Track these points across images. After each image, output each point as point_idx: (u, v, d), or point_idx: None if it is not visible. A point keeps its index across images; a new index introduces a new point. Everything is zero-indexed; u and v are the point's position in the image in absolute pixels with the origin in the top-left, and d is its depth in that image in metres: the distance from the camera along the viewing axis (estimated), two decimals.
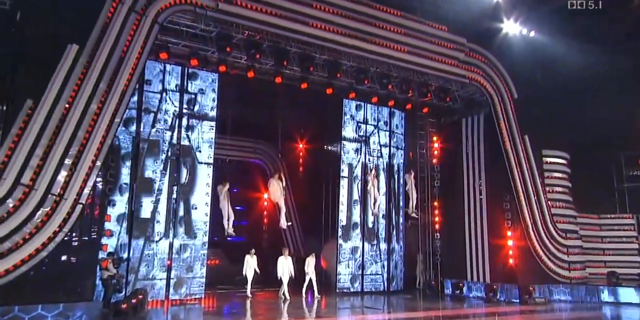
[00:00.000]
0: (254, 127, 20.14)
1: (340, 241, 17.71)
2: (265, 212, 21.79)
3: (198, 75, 15.55)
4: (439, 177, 19.51)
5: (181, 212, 14.88)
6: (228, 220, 14.96)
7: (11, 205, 10.20)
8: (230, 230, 14.95)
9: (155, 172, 14.59)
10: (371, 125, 18.91)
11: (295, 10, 14.64)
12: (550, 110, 18.63)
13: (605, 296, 16.82)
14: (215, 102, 15.67)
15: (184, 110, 15.19)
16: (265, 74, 15.83)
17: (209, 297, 15.97)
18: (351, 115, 18.51)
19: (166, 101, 14.96)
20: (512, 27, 18.27)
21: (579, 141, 18.94)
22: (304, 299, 15.78)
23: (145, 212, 14.29)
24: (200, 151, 15.53)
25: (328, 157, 20.34)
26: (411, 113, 19.38)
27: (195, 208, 15.25)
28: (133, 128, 14.26)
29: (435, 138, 19.96)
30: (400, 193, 19.29)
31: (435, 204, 19.41)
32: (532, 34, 18.55)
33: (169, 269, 14.45)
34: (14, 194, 10.29)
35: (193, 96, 15.40)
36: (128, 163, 14.00)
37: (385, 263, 18.37)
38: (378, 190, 17.81)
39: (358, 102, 18.51)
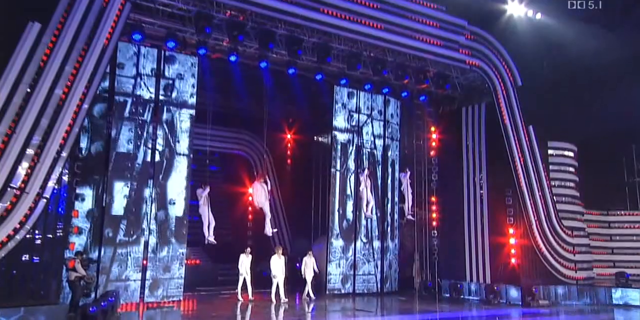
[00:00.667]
0: (238, 116, 19.85)
1: (331, 239, 17.51)
2: (250, 208, 21.49)
3: (176, 59, 15.19)
4: (437, 170, 19.32)
5: (157, 208, 14.59)
6: (209, 226, 14.57)
7: None
8: (211, 238, 14.60)
9: (129, 164, 14.26)
10: (364, 114, 18.68)
11: None
12: (556, 99, 18.50)
13: (614, 298, 16.72)
14: (195, 89, 15.34)
15: (161, 97, 14.83)
16: (249, 58, 15.52)
17: (188, 300, 15.74)
18: (343, 104, 18.25)
19: (141, 87, 14.59)
20: (516, 9, 18.06)
21: (588, 132, 18.83)
22: (305, 301, 15.57)
23: (118, 208, 13.98)
24: (178, 142, 15.21)
25: (318, 149, 20.12)
26: (407, 101, 19.15)
27: (173, 203, 14.97)
28: (104, 116, 13.89)
29: (433, 128, 19.75)
30: (395, 188, 19.09)
31: (433, 199, 19.23)
32: (539, 16, 18.33)
33: (144, 270, 14.18)
34: None
35: (170, 82, 15.06)
36: (98, 154, 13.67)
37: (379, 262, 18.22)
38: (371, 192, 17.50)
39: (350, 90, 18.27)
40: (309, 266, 16.17)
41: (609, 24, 17.96)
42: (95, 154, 13.66)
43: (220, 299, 16.58)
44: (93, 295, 12.72)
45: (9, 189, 10.03)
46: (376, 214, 18.06)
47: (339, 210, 17.83)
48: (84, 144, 13.08)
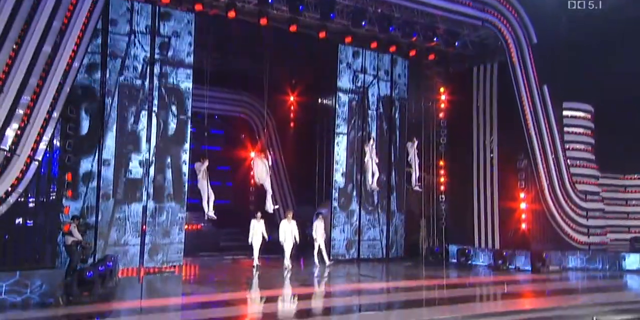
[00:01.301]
0: (238, 77, 19.60)
1: (335, 204, 17.51)
2: (251, 172, 21.43)
3: (171, 16, 14.87)
4: (446, 133, 19.11)
5: (155, 172, 14.55)
6: (208, 201, 14.25)
7: None
8: (211, 213, 14.32)
9: (125, 127, 14.16)
10: (370, 74, 18.37)
11: None
12: (573, 57, 18.03)
13: (628, 264, 16.72)
14: (192, 47, 15.08)
15: (156, 56, 14.59)
16: (249, 15, 15.16)
17: (189, 265, 15.93)
18: (347, 64, 17.93)
19: (135, 45, 14.34)
20: None
21: (606, 92, 18.41)
22: (316, 267, 15.61)
23: (114, 171, 13.94)
24: (175, 103, 15.07)
25: (322, 111, 19.93)
26: (415, 61, 18.80)
27: (171, 167, 14.93)
28: (97, 75, 13.73)
29: (442, 89, 19.43)
30: (400, 149, 18.92)
31: (441, 163, 19.09)
32: None
33: (142, 234, 14.26)
34: None
35: (166, 40, 14.78)
36: (92, 116, 13.54)
37: (385, 228, 18.24)
38: (377, 163, 17.31)
39: (355, 48, 17.90)
40: (319, 230, 16.04)
41: None
42: (90, 115, 13.54)
43: (222, 264, 16.77)
44: (91, 260, 12.85)
45: None
46: (382, 180, 17.87)
47: (343, 175, 17.76)
48: (77, 105, 12.94)
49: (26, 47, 10.46)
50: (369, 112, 18.35)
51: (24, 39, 10.44)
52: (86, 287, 10.41)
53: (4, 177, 10.07)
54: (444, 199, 18.92)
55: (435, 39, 16.93)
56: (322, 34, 15.97)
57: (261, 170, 14.87)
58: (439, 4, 16.27)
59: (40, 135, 10.50)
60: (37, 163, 10.50)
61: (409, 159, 18.19)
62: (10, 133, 10.15)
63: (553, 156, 17.32)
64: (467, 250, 17.74)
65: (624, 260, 16.82)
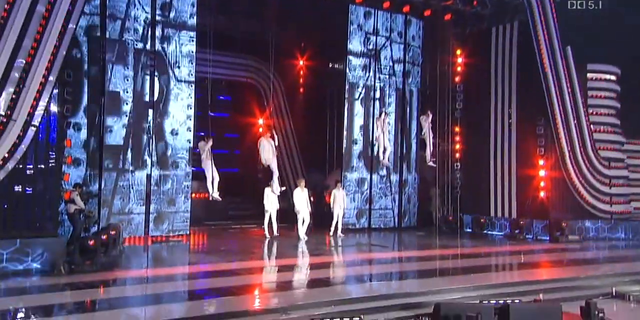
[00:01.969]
0: (244, 40, 19.15)
1: (345, 172, 17.38)
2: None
3: None
4: (462, 98, 18.74)
5: (159, 138, 14.46)
6: (212, 182, 14.11)
7: None
8: (216, 194, 14.16)
9: (127, 91, 14.00)
10: (382, 36, 17.93)
11: None
12: (600, 16, 17.40)
13: None
14: (195, 8, 14.82)
15: (157, 17, 14.33)
16: None
17: (196, 234, 15.97)
18: (358, 25, 17.52)
19: (135, 6, 14.08)
20: None
21: (633, 53, 17.85)
22: (331, 238, 15.56)
23: (117, 138, 13.88)
24: (178, 67, 14.89)
25: (332, 76, 19.58)
26: (430, 21, 18.34)
27: (176, 133, 14.85)
28: (96, 38, 13.49)
29: (458, 52, 18.92)
30: (414, 117, 18.66)
31: (456, 129, 18.78)
32: None
33: (147, 203, 14.26)
34: None
35: (168, 0, 14.47)
36: (92, 80, 13.37)
37: (397, 196, 18.13)
38: (388, 139, 16.99)
39: (367, 9, 17.49)
40: (338, 200, 15.87)
41: None
42: (89, 80, 13.40)
43: (230, 233, 16.83)
44: (95, 229, 12.87)
45: None
46: (392, 150, 17.59)
47: (354, 142, 17.57)
48: (76, 69, 12.77)
49: (19, 7, 10.21)
50: (381, 76, 17.98)
51: None
52: (88, 256, 10.43)
53: (0, 142, 9.97)
54: (458, 167, 18.69)
55: None
56: None
57: (268, 151, 14.64)
58: None
59: (37, 100, 10.35)
60: (34, 129, 10.39)
61: (422, 134, 17.90)
62: (5, 97, 10.01)
63: (575, 121, 16.91)
64: (482, 220, 17.61)
65: None
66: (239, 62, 20.74)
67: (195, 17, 14.84)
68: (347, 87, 17.46)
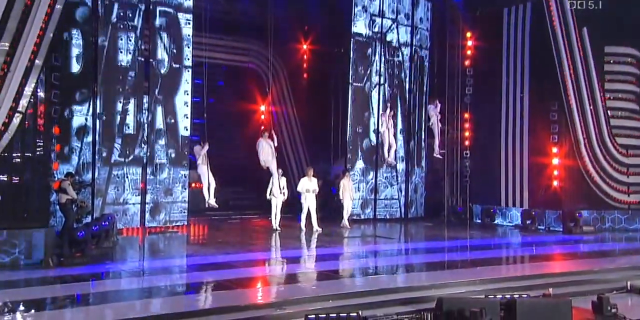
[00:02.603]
0: (245, 24, 18.89)
1: (349, 160, 17.22)
2: (262, 127, 21.14)
3: None
4: (471, 83, 18.41)
5: (155, 126, 14.33)
6: (209, 188, 13.76)
7: None
8: (212, 201, 13.82)
9: (121, 77, 13.83)
10: (389, 18, 17.71)
11: None
12: None
13: None
14: None
15: None
16: None
17: (194, 225, 15.86)
18: (363, 7, 17.32)
19: None
20: None
21: None
22: (345, 229, 15.40)
23: (111, 125, 13.75)
24: (175, 51, 14.74)
25: (336, 60, 19.29)
26: (439, 2, 18.16)
27: (173, 121, 14.70)
28: (87, 20, 13.27)
29: (468, 34, 18.59)
30: (424, 103, 18.36)
31: (466, 115, 18.50)
32: None
33: (143, 193, 14.15)
34: None
35: None
36: (85, 66, 13.19)
37: (403, 186, 17.95)
38: (394, 135, 16.70)
39: None
40: (347, 190, 15.72)
41: None
42: (82, 65, 13.20)
43: (229, 224, 16.68)
44: (89, 219, 12.76)
45: None
46: (400, 144, 17.34)
47: (358, 129, 17.34)
48: (67, 54, 12.61)
49: None
50: (386, 60, 17.73)
51: None
52: (78, 248, 10.30)
53: None
54: (468, 155, 18.42)
55: None
56: None
57: (267, 152, 14.27)
58: None
59: (22, 86, 10.16)
60: (20, 115, 10.22)
61: (430, 124, 17.64)
62: None
63: (591, 107, 16.60)
64: (492, 210, 17.40)
65: None
66: (240, 47, 20.46)
67: None
68: (351, 71, 17.19)
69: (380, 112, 17.09)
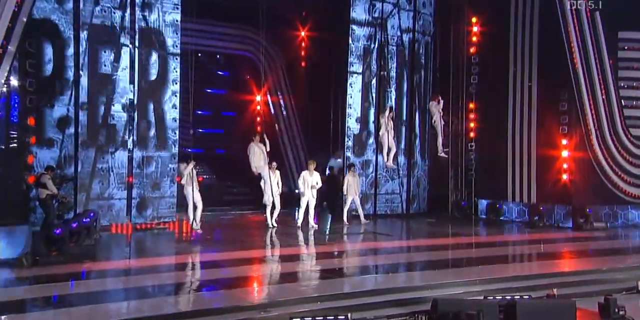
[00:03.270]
0: (236, 8, 18.60)
1: (348, 153, 17.00)
2: (258, 119, 20.93)
3: None
4: (477, 71, 18.08)
5: (141, 116, 14.13)
6: (194, 210, 13.29)
7: None
8: (196, 225, 13.27)
9: (104, 64, 13.65)
10: (389, 3, 17.41)
11: None
12: None
13: None
14: None
15: None
16: None
17: (184, 221, 15.61)
18: None
19: None
20: None
21: None
22: (345, 226, 15.23)
23: (94, 116, 13.57)
24: (162, 38, 14.52)
25: (335, 48, 19.03)
26: None
27: (161, 110, 14.52)
28: (70, 5, 13.06)
29: (474, 20, 18.22)
30: (428, 90, 18.09)
31: (471, 105, 18.18)
32: None
33: (129, 187, 13.98)
34: None
35: None
36: (65, 52, 12.99)
37: (405, 180, 17.72)
38: (394, 137, 16.39)
39: None
40: (352, 185, 15.59)
41: None
42: (57, 50, 12.99)
43: (222, 221, 16.49)
44: (72, 215, 12.61)
45: None
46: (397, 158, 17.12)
47: (357, 120, 17.13)
48: (39, 39, 12.41)
49: None
50: (388, 47, 17.44)
51: None
52: (56, 246, 10.11)
53: None
54: (473, 147, 18.15)
55: None
56: None
57: (258, 157, 13.97)
58: None
59: None
60: None
61: (432, 121, 17.35)
62: None
63: (603, 96, 16.34)
64: (498, 205, 17.16)
65: None
66: (231, 33, 20.16)
67: None
68: (349, 59, 16.96)
69: (380, 114, 16.78)
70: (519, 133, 17.01)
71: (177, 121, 14.72)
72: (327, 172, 17.82)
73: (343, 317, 7.17)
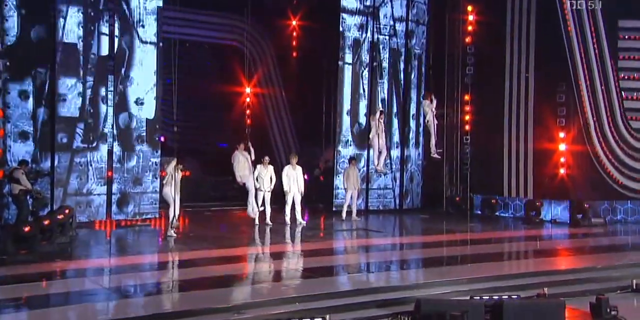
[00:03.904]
0: None
1: (339, 147, 16.84)
2: (248, 111, 20.70)
3: None
4: (472, 61, 17.84)
5: (121, 109, 13.92)
6: (174, 216, 12.45)
7: None
8: (171, 231, 12.37)
9: (81, 55, 13.40)
10: None
11: None
12: None
13: None
14: None
15: None
16: None
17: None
18: None
19: None
20: None
21: None
22: (343, 221, 15.09)
23: (71, 108, 13.33)
24: (143, 26, 14.27)
25: (327, 38, 18.80)
26: None
27: (141, 103, 14.29)
28: None
29: (470, 8, 17.99)
30: (422, 81, 17.86)
31: (466, 97, 17.98)
32: None
33: (109, 182, 13.78)
34: None
35: None
36: (40, 42, 12.76)
37: (398, 175, 17.57)
38: (385, 140, 16.06)
39: None
40: (351, 179, 15.41)
41: None
42: (37, 41, 12.84)
43: (207, 217, 16.32)
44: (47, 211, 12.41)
45: None
46: (387, 163, 16.79)
47: (348, 113, 16.97)
48: (17, 27, 12.16)
49: None
50: (380, 37, 17.23)
51: None
52: (26, 244, 9.88)
53: None
54: (468, 140, 17.94)
55: None
56: None
57: (243, 166, 13.59)
58: None
59: None
60: None
61: (426, 121, 17.03)
62: None
63: (602, 87, 16.18)
64: (494, 200, 17.03)
65: None
66: (217, 22, 19.88)
67: None
68: (340, 49, 16.80)
69: (370, 116, 16.45)
70: (515, 126, 16.86)
71: (159, 114, 14.49)
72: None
73: (320, 319, 6.98)
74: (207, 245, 11.64)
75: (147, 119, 14.30)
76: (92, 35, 13.48)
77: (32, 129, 12.79)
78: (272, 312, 7.41)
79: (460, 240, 12.89)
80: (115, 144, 13.87)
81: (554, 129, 16.16)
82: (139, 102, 14.19)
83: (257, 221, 14.12)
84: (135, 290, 8.47)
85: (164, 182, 12.82)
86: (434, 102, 16.22)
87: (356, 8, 16.93)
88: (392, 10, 17.41)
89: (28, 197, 11.91)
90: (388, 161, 16.87)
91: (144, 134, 14.27)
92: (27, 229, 9.86)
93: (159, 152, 14.49)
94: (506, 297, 7.91)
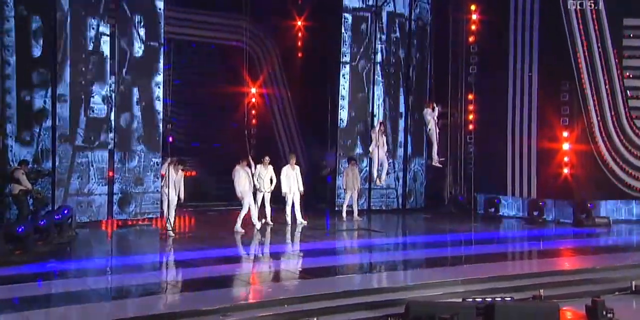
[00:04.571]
0: None
1: (340, 147, 16.70)
2: (253, 111, 20.51)
3: None
4: (476, 61, 17.61)
5: (123, 109, 13.85)
6: (168, 215, 12.48)
7: None
8: (170, 231, 12.34)
9: (82, 55, 13.32)
10: None
11: None
12: None
13: None
14: None
15: None
16: None
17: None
18: None
19: None
20: None
21: None
22: (344, 221, 14.90)
23: (73, 108, 13.24)
24: (145, 27, 14.26)
25: (330, 38, 18.58)
26: None
27: (143, 103, 14.20)
28: None
29: (473, 7, 17.72)
30: (427, 78, 17.69)
31: (470, 97, 17.72)
32: None
33: (110, 182, 13.68)
34: None
35: None
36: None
37: (401, 174, 17.34)
38: (386, 152, 15.81)
39: None
40: (352, 180, 15.26)
41: None
42: (35, 38, 12.73)
43: (209, 217, 16.16)
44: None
45: None
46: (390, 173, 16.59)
47: (350, 112, 16.69)
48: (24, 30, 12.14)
49: None
50: (383, 37, 17.02)
51: None
52: (20, 245, 9.74)
53: None
54: (472, 140, 17.69)
55: None
56: None
57: (244, 182, 13.34)
58: None
59: None
60: None
61: (428, 130, 16.75)
62: None
63: (607, 86, 15.85)
64: (496, 200, 16.69)
65: None
66: (227, 24, 19.70)
67: None
68: (342, 48, 16.61)
69: (371, 128, 16.22)
70: (519, 125, 16.57)
71: (161, 114, 14.38)
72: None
73: None
74: (203, 245, 11.44)
75: (147, 119, 14.17)
76: (93, 35, 13.33)
77: (34, 129, 12.67)
78: (259, 315, 7.20)
79: (461, 241, 12.65)
80: (117, 144, 13.73)
81: (557, 128, 15.89)
82: (140, 102, 14.07)
83: (256, 224, 13.71)
84: (115, 292, 8.07)
85: (162, 183, 12.82)
86: (436, 110, 15.94)
87: (359, 7, 16.79)
88: (395, 9, 17.21)
89: (28, 197, 11.81)
90: (391, 160, 16.63)
91: (145, 134, 14.15)
92: (20, 229, 9.70)
93: (161, 152, 14.33)
94: (499, 299, 7.66)
